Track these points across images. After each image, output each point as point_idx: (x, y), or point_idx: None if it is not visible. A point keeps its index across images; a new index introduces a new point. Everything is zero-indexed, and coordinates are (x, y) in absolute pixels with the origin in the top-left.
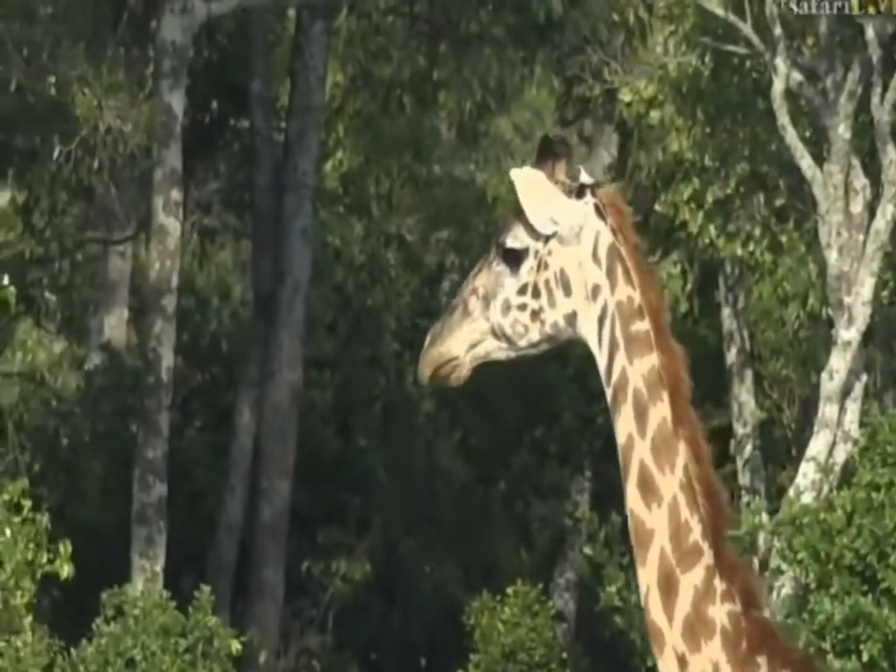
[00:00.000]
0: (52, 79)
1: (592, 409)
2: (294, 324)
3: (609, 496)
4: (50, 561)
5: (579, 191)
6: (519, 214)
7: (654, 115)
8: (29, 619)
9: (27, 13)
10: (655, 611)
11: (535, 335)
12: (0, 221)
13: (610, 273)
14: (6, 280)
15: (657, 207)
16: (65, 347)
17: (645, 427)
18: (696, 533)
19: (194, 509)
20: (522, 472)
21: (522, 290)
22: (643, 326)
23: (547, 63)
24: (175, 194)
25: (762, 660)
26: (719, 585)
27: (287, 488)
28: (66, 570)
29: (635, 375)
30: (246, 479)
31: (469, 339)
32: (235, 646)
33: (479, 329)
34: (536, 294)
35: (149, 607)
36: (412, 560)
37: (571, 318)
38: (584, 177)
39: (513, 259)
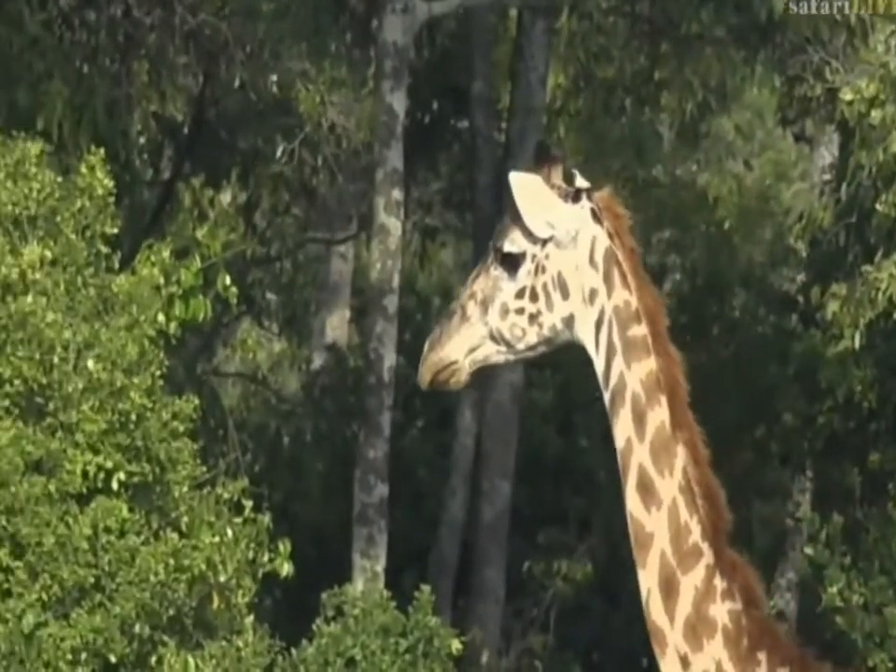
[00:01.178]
0: (274, 77)
1: (813, 408)
2: None
3: (831, 496)
4: (271, 560)
5: (575, 196)
6: (516, 218)
7: (876, 114)
8: (250, 619)
9: (249, 11)
10: (657, 613)
11: (532, 338)
12: (222, 221)
13: (607, 277)
14: (227, 280)
15: (878, 207)
16: (285, 347)
17: (644, 430)
18: (696, 534)
19: (416, 509)
20: (742, 473)
21: (520, 294)
22: (640, 330)
23: (768, 62)
24: (397, 194)
25: (762, 656)
26: (719, 584)
27: (508, 488)
28: (286, 569)
29: (633, 379)
30: (468, 479)
31: (467, 343)
32: (456, 645)
33: (477, 334)
34: (534, 298)
35: (370, 607)
36: (632, 561)
37: (569, 321)
38: (580, 182)
39: (511, 263)
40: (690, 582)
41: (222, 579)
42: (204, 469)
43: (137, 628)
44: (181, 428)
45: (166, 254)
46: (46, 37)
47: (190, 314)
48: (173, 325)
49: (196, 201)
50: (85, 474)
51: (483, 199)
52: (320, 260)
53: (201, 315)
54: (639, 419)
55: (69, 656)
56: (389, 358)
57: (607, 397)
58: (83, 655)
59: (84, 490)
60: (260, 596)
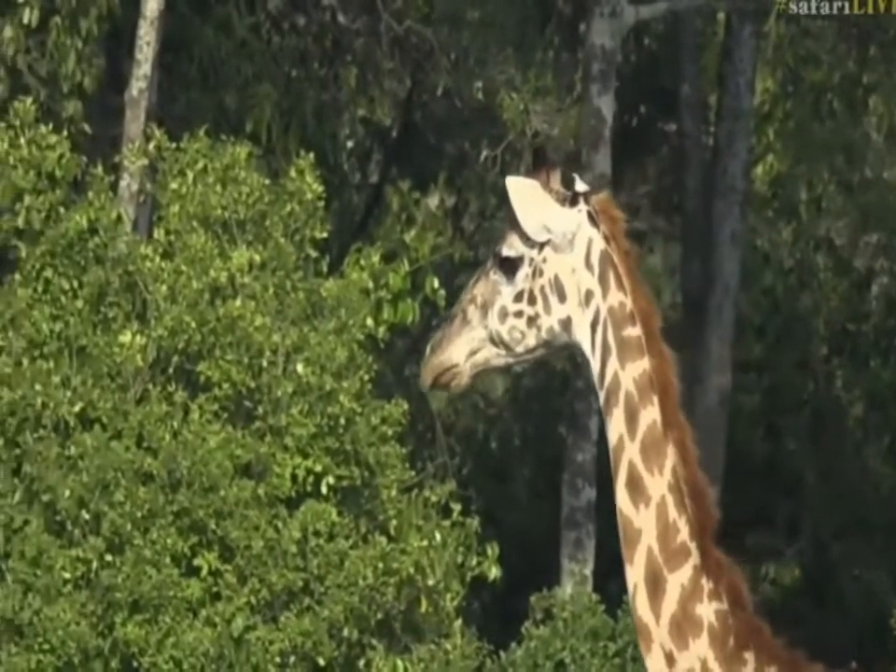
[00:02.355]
0: (480, 84)
1: None
2: (723, 328)
3: None
4: (479, 564)
5: (572, 199)
6: (514, 223)
7: None
8: (458, 622)
9: (455, 18)
10: (643, 609)
11: (531, 341)
12: (430, 225)
13: (602, 279)
14: (435, 283)
15: None
16: None
17: (635, 429)
18: (684, 533)
19: None
20: None
21: (518, 297)
22: (635, 331)
23: None
24: None
25: (748, 656)
26: (706, 584)
27: (716, 492)
28: (494, 573)
29: (626, 379)
30: None
31: (468, 347)
32: None
33: (477, 337)
34: (532, 301)
35: (579, 610)
36: (841, 564)
37: (566, 324)
38: (579, 185)
39: (509, 267)
40: (676, 581)
41: (430, 582)
42: (413, 472)
43: (346, 632)
44: (390, 432)
45: (375, 258)
46: (254, 42)
47: (399, 317)
48: (381, 329)
49: (404, 204)
50: (294, 478)
51: (691, 202)
52: None
53: (409, 318)
54: (631, 417)
55: (277, 659)
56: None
57: (601, 396)
58: (291, 658)
59: (293, 494)
60: (468, 600)
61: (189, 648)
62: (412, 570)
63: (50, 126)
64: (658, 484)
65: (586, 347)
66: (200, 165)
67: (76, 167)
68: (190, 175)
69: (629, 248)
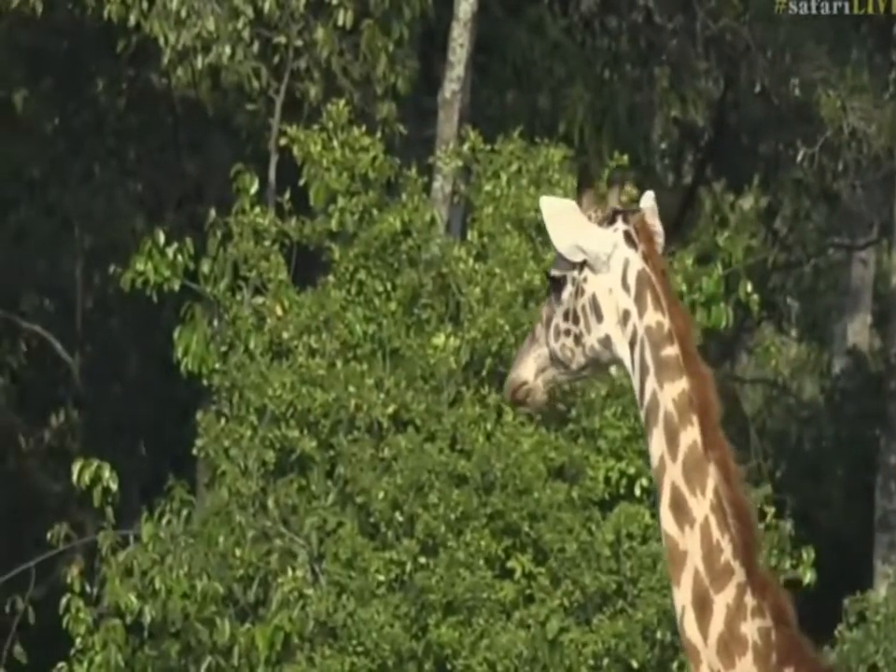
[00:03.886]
0: (796, 81)
1: None
2: None
3: None
4: (793, 567)
5: (611, 218)
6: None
7: None
8: None
9: (770, 16)
10: (691, 631)
11: (581, 358)
12: (743, 227)
13: (639, 299)
14: (749, 287)
15: None
16: (804, 352)
17: (676, 450)
18: (728, 553)
19: None
20: None
21: (565, 316)
22: (673, 350)
23: None
24: None
25: (789, 671)
26: (750, 602)
27: None
28: (809, 578)
29: (665, 399)
30: None
31: (535, 364)
32: None
33: (543, 355)
34: (575, 320)
35: (893, 613)
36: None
37: (605, 342)
38: (613, 204)
39: (557, 286)
40: (722, 601)
41: None
42: None
43: (659, 634)
44: None
45: (689, 261)
46: (567, 43)
47: (713, 322)
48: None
49: (717, 206)
50: (607, 480)
51: None
52: (841, 266)
53: (722, 322)
54: (672, 438)
55: (591, 662)
56: None
57: (642, 415)
58: (605, 661)
59: (606, 496)
60: None
61: (503, 650)
62: None
63: (364, 128)
64: (701, 505)
65: (627, 365)
66: (514, 167)
67: (389, 169)
68: (504, 177)
69: (665, 268)
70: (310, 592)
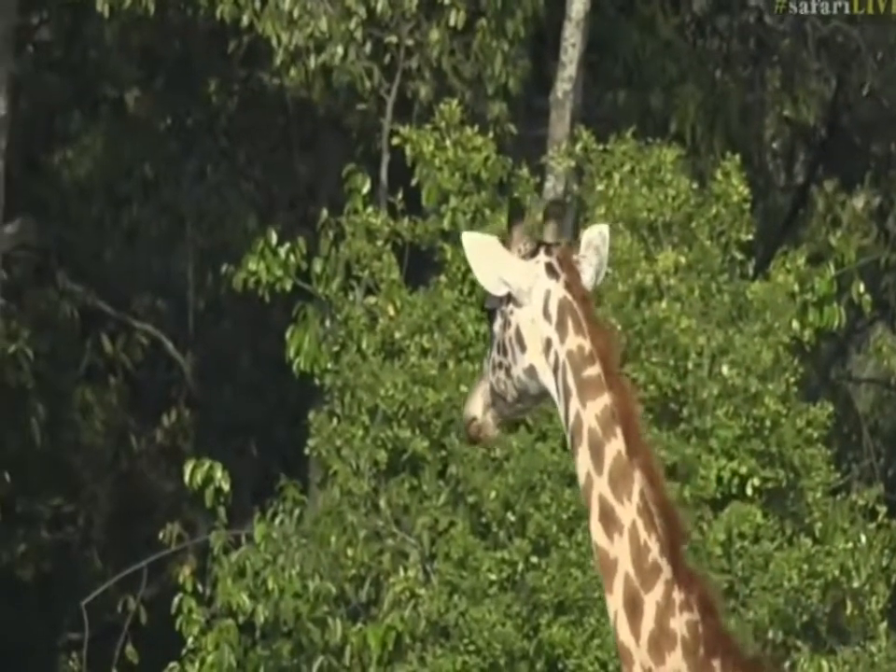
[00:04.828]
0: None
1: None
2: None
3: None
4: None
5: (534, 251)
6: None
7: None
8: (884, 625)
9: (880, 17)
10: (623, 633)
11: (513, 391)
12: (855, 226)
13: (560, 326)
14: (861, 287)
15: None
16: None
17: (602, 463)
18: (655, 552)
19: None
20: None
21: (498, 349)
22: (594, 370)
23: None
24: None
25: (716, 663)
26: (677, 597)
27: None
28: None
29: (588, 417)
30: None
31: (482, 399)
32: None
33: (487, 390)
34: (504, 352)
35: None
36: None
37: (530, 372)
38: (550, 237)
39: (492, 319)
40: (652, 599)
41: (855, 585)
42: (838, 475)
43: (770, 633)
44: (815, 435)
45: (801, 260)
46: (679, 42)
47: (825, 321)
48: (807, 332)
49: (829, 206)
50: (719, 480)
51: None
52: None
53: (835, 322)
54: (597, 453)
55: None
56: None
57: (568, 437)
58: None
59: (718, 496)
60: (894, 602)
61: (615, 649)
62: (836, 573)
63: (476, 128)
64: (628, 511)
65: (552, 392)
66: (626, 167)
67: (501, 169)
68: (617, 178)
69: (587, 294)
70: (422, 591)
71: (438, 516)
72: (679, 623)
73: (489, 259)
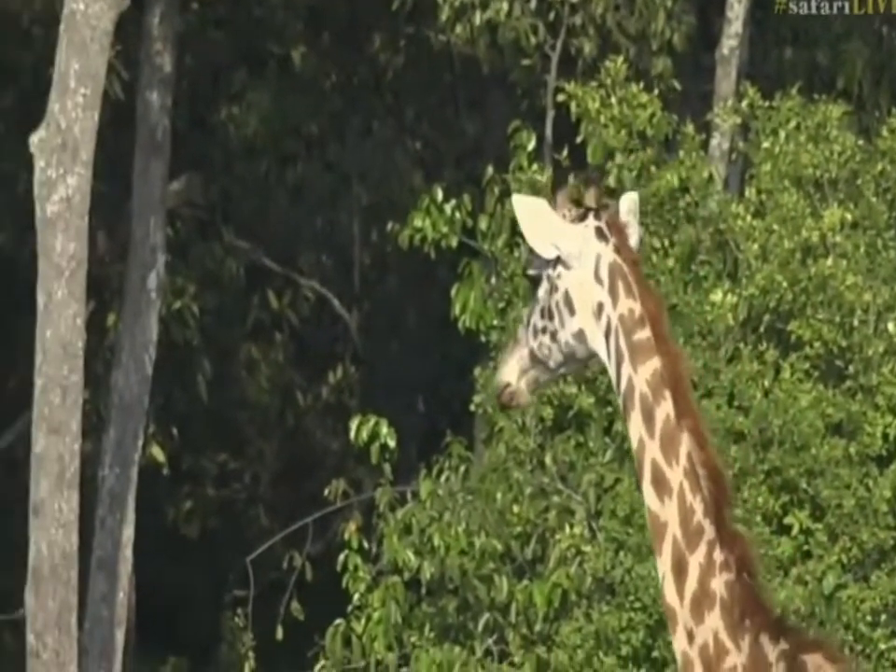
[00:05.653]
0: None
1: None
2: None
3: None
4: None
5: (583, 216)
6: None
7: None
8: None
9: None
10: (670, 595)
11: (558, 355)
12: None
13: (612, 290)
14: None
15: None
16: None
17: (653, 427)
18: (699, 513)
19: None
20: None
21: (541, 314)
22: (645, 333)
23: None
24: None
25: (748, 623)
26: (718, 557)
27: None
28: None
29: (640, 381)
30: None
31: (518, 366)
32: None
33: (524, 356)
34: (550, 316)
35: None
36: None
37: (579, 336)
38: (589, 201)
39: (535, 285)
40: (695, 560)
41: None
42: None
43: None
44: None
45: None
46: None
47: None
48: None
49: None
50: (885, 437)
51: None
52: None
53: None
54: (648, 417)
55: (868, 618)
56: None
57: (620, 402)
58: (882, 616)
59: (884, 452)
60: None
61: (781, 605)
62: None
63: (641, 85)
64: (676, 473)
65: (603, 356)
66: (792, 124)
67: (667, 126)
68: (783, 134)
69: (637, 258)
70: (587, 548)
71: (604, 473)
72: (719, 584)
73: (540, 222)
